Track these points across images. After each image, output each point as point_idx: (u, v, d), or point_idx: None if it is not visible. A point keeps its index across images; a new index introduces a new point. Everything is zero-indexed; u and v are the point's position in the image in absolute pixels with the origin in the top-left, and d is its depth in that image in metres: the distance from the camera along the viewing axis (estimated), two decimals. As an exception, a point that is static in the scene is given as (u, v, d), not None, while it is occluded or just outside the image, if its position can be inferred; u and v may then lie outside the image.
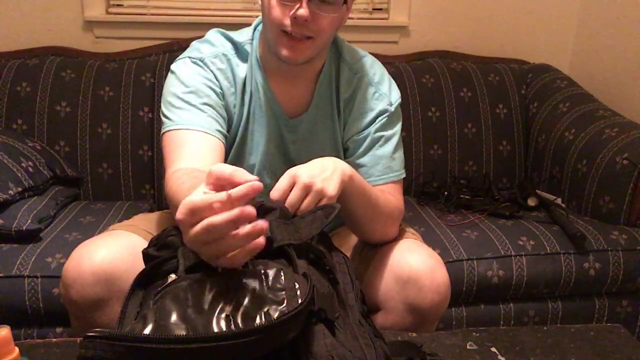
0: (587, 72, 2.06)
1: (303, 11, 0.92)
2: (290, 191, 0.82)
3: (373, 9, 2.05)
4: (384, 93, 1.10)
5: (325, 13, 0.95)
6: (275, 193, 0.82)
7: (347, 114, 1.10)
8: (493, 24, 2.10)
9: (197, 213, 0.58)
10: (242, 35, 1.09)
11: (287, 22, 0.94)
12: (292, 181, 0.83)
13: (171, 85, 1.02)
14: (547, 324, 1.45)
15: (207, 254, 0.61)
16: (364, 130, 1.09)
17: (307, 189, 0.82)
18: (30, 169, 1.49)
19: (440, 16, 2.06)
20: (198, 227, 0.58)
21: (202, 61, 1.04)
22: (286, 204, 0.81)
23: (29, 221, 1.33)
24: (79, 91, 1.71)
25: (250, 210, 0.57)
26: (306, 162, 1.10)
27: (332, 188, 0.84)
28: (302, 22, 0.93)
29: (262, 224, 0.59)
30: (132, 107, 1.72)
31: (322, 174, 0.84)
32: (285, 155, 1.11)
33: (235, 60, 1.07)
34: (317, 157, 1.10)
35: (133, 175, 1.72)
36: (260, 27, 1.08)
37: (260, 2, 1.00)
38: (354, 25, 2.00)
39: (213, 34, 1.09)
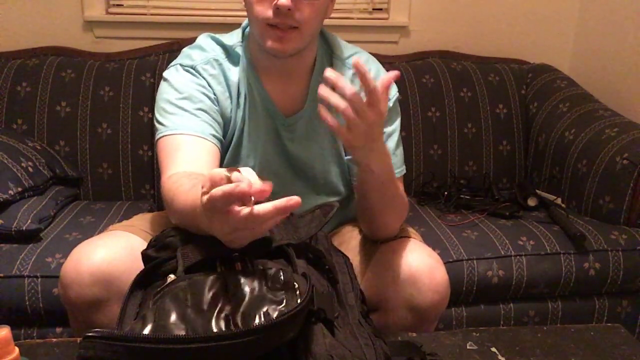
0: (587, 72, 2.06)
1: (284, 0, 0.92)
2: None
3: (373, 9, 2.05)
4: None
5: (307, 0, 0.95)
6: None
7: None
8: (493, 24, 2.10)
9: (213, 184, 0.61)
10: (232, 38, 1.09)
11: (270, 14, 0.94)
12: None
13: (164, 92, 1.02)
14: (547, 324, 1.44)
15: (217, 227, 0.64)
16: None
17: (369, 103, 0.79)
18: (30, 169, 1.49)
19: (440, 16, 2.06)
20: (205, 196, 0.62)
21: (193, 68, 1.04)
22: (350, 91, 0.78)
23: (29, 221, 1.33)
24: (79, 91, 1.71)
25: (244, 190, 0.59)
26: (305, 160, 1.11)
27: (371, 128, 0.82)
28: (285, 12, 0.93)
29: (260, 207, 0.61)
30: (132, 107, 1.72)
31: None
32: (283, 155, 1.11)
33: (226, 64, 1.06)
34: (316, 155, 1.10)
35: (133, 175, 1.72)
36: (249, 28, 1.08)
37: (244, 1, 1.00)
38: (354, 25, 2.00)
39: (203, 39, 1.09)
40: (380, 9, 2.05)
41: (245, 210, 0.60)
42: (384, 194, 0.97)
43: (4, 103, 1.68)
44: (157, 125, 1.00)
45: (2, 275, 1.23)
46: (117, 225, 1.04)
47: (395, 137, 1.09)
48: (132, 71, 1.76)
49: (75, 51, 1.85)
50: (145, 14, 1.93)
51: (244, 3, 1.00)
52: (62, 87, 1.71)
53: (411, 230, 1.13)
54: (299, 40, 0.98)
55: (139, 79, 1.75)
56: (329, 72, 0.78)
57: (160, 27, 1.93)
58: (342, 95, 0.79)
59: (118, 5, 1.95)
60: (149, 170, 1.73)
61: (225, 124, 1.07)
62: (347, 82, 0.78)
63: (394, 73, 0.81)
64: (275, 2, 0.92)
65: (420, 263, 0.96)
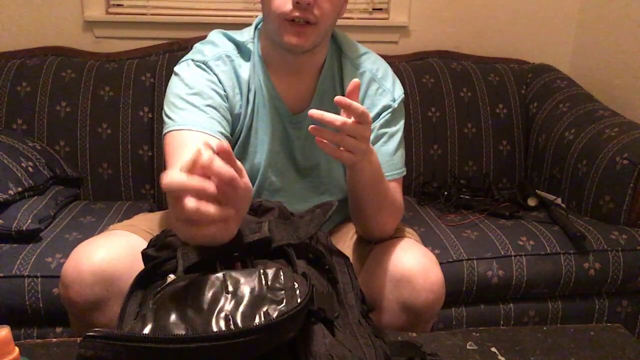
0: (587, 72, 2.06)
1: None
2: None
3: (373, 9, 2.05)
4: (388, 89, 1.10)
5: None
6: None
7: None
8: (493, 24, 2.10)
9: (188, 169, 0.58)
10: (244, 35, 1.09)
11: (289, 7, 0.94)
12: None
13: (175, 87, 1.03)
14: (547, 324, 1.45)
15: (175, 214, 0.61)
16: None
17: (359, 122, 0.82)
18: (30, 169, 1.49)
19: (440, 16, 2.06)
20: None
21: (205, 64, 1.04)
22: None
23: (29, 221, 1.33)
24: (79, 91, 1.71)
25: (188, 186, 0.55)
26: (311, 157, 1.11)
27: (367, 144, 0.87)
28: (305, 6, 0.93)
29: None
30: (132, 107, 1.72)
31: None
32: (290, 153, 1.11)
33: (238, 60, 1.07)
34: (321, 152, 1.10)
35: (133, 175, 1.72)
36: (260, 26, 1.08)
37: None
38: (354, 25, 2.00)
39: (215, 35, 1.09)
40: (380, 9, 2.05)
41: (191, 202, 0.55)
42: (376, 194, 0.98)
43: (4, 103, 1.68)
44: (165, 119, 1.00)
45: (2, 275, 1.23)
46: (118, 225, 1.04)
47: (397, 138, 1.09)
48: (132, 71, 1.76)
49: (75, 51, 1.85)
50: (145, 14, 1.93)
51: (259, 0, 1.01)
52: (62, 87, 1.71)
53: (408, 230, 1.13)
54: (315, 36, 0.99)
55: (139, 79, 1.75)
56: (313, 112, 0.80)
57: (160, 27, 1.93)
58: (333, 126, 0.82)
59: (118, 5, 1.95)
60: (149, 170, 1.73)
61: (234, 119, 1.07)
62: (333, 116, 0.81)
63: (355, 82, 0.84)
64: None
65: (415, 263, 0.96)
